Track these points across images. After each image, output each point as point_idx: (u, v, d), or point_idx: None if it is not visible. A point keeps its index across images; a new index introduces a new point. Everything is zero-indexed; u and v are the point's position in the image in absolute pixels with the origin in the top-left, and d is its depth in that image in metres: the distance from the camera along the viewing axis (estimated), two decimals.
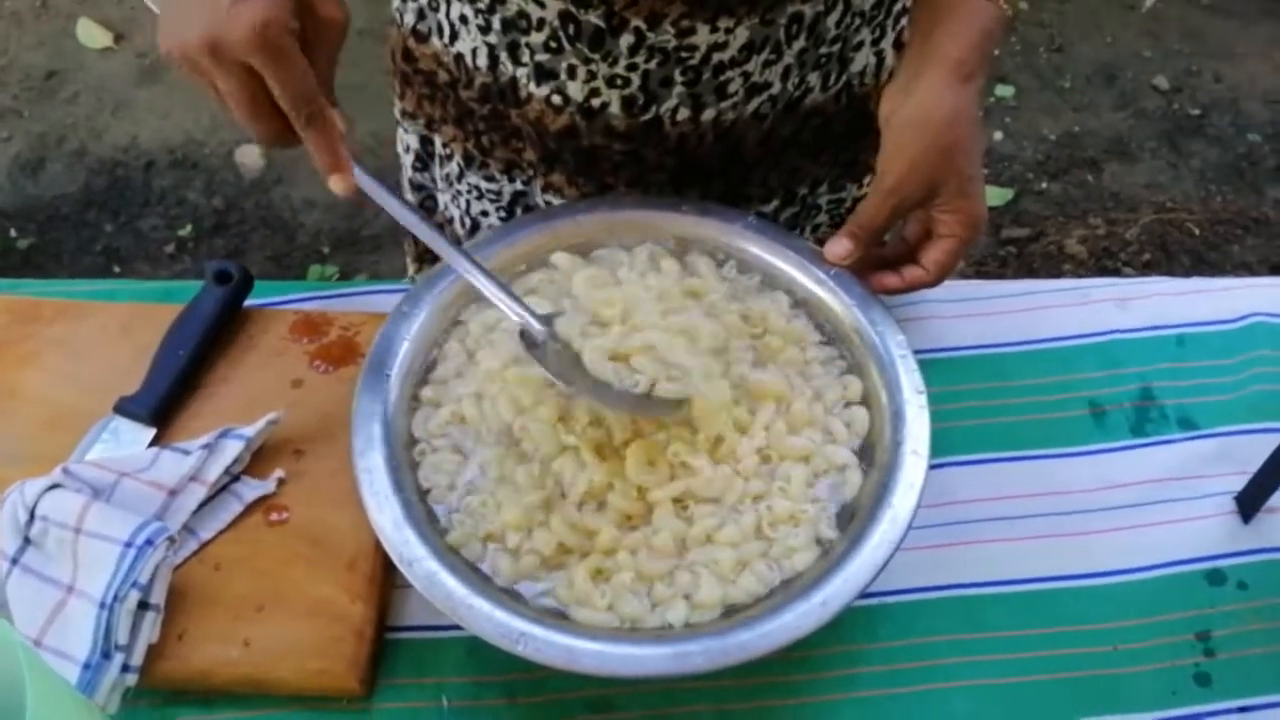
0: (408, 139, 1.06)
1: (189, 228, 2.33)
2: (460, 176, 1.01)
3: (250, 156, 2.45)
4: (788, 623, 0.67)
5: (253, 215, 2.37)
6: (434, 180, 1.07)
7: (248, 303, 0.89)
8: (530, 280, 0.85)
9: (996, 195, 2.49)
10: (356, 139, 2.51)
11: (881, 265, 0.85)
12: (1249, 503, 0.81)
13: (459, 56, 0.91)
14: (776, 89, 0.88)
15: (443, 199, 1.07)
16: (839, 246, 0.83)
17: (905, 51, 0.82)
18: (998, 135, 2.61)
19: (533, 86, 0.88)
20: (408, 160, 1.08)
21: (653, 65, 0.83)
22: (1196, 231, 2.42)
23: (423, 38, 0.94)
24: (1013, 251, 2.40)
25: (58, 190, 2.40)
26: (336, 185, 0.71)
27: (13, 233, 2.31)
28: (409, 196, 1.11)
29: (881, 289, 0.83)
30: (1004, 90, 2.70)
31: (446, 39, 0.91)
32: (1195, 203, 2.49)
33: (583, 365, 0.75)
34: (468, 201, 1.02)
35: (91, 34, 2.65)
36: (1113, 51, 2.80)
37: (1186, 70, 2.76)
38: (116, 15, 2.71)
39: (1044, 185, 2.53)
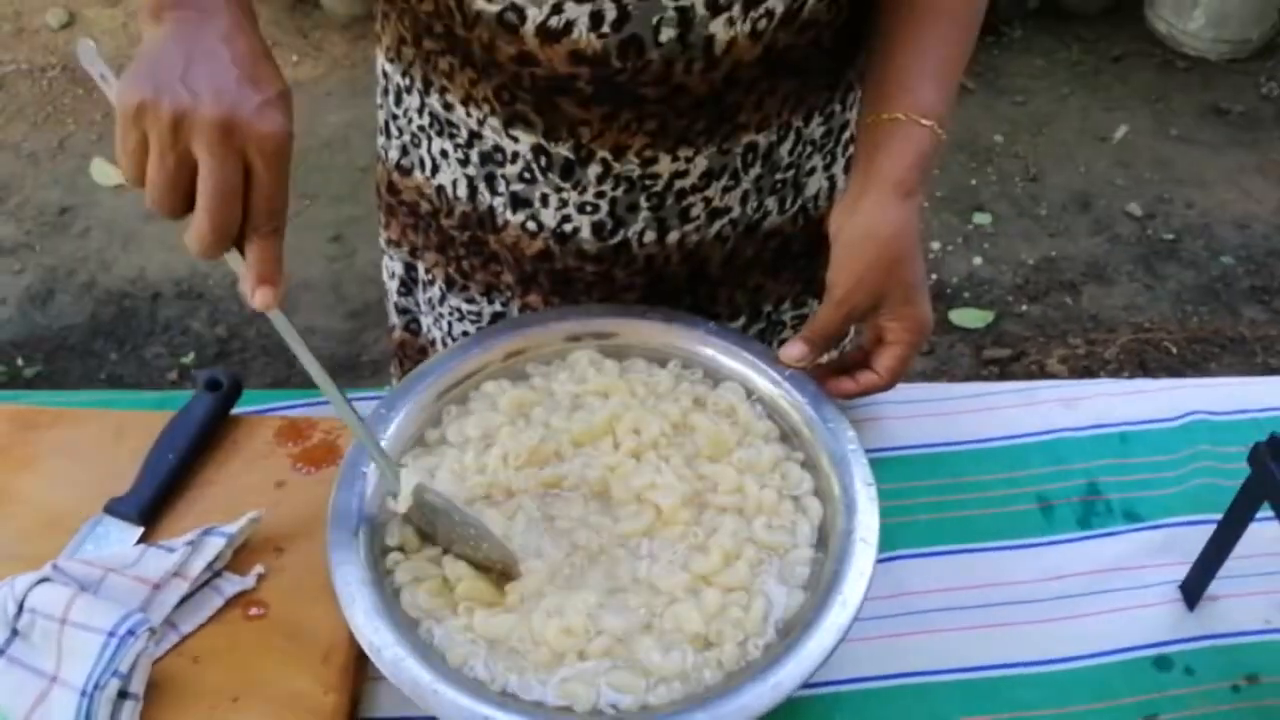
0: (392, 266, 1.12)
1: (192, 355, 2.40)
2: (442, 300, 1.07)
3: None
4: (742, 704, 0.70)
5: (254, 343, 2.44)
6: (418, 304, 1.12)
7: (236, 410, 0.94)
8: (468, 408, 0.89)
9: (977, 317, 2.56)
10: (358, 269, 2.60)
11: (840, 372, 0.89)
12: (1193, 590, 0.84)
13: (440, 188, 0.98)
14: (736, 212, 0.95)
15: (426, 322, 1.12)
16: (794, 350, 0.88)
17: (851, 174, 0.88)
18: (977, 260, 2.70)
19: (509, 214, 0.94)
20: (393, 286, 1.14)
21: (619, 192, 0.89)
22: (1174, 350, 2.48)
23: (406, 171, 1.01)
24: (995, 371, 2.45)
25: (66, 321, 2.48)
26: (264, 296, 0.67)
27: (20, 361, 2.38)
28: (394, 320, 1.17)
29: (838, 393, 0.88)
30: (981, 218, 2.80)
31: (428, 172, 0.98)
32: (1173, 323, 2.55)
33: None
34: (449, 323, 1.08)
35: (105, 172, 2.77)
36: (1086, 180, 2.91)
37: (1159, 197, 2.86)
38: None
39: (1024, 308, 2.60)
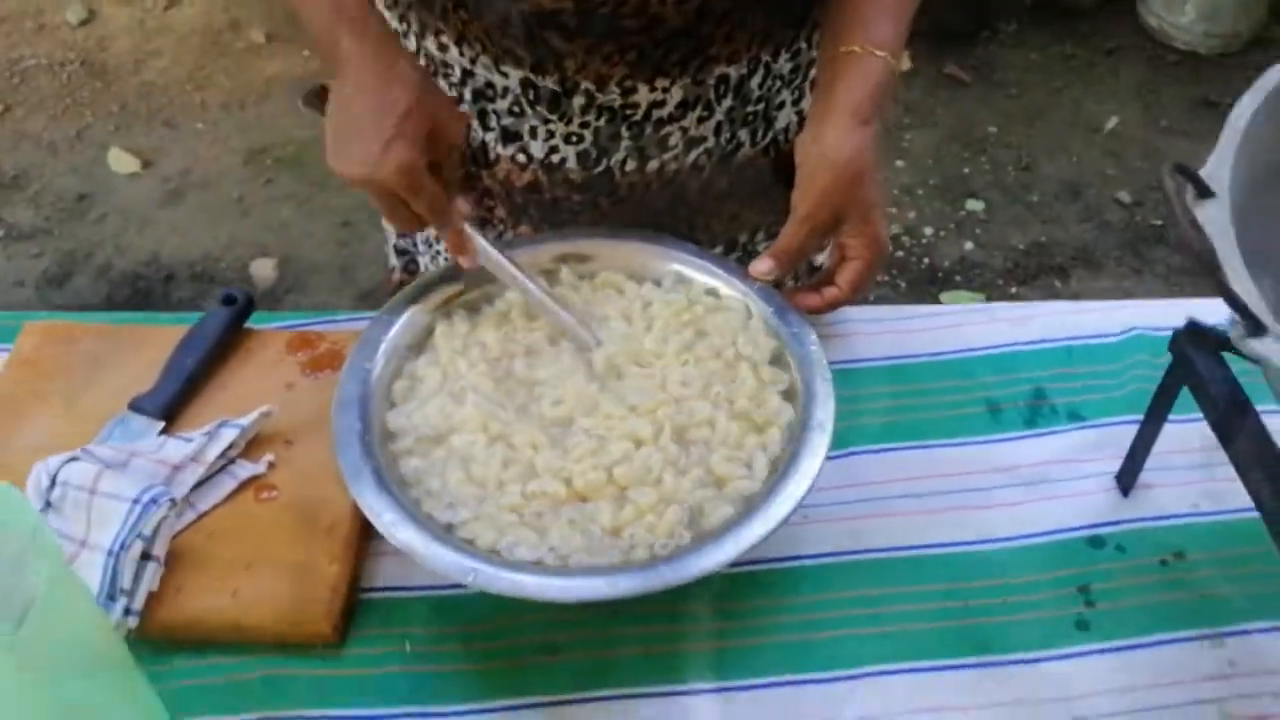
0: None
1: None
2: (438, 238, 1.15)
3: (264, 269, 2.63)
4: (703, 559, 0.77)
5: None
6: (415, 245, 1.20)
7: (250, 325, 1.02)
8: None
9: (967, 299, 2.62)
10: (367, 252, 2.68)
11: (808, 291, 0.97)
12: (1127, 479, 0.91)
13: None
14: (711, 143, 1.02)
15: (423, 261, 1.20)
16: (762, 264, 0.95)
17: (812, 105, 0.96)
18: (968, 245, 2.76)
19: (500, 148, 1.02)
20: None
21: (602, 123, 0.97)
22: None
23: None
24: None
25: (82, 301, 2.56)
26: (463, 263, 0.93)
27: None
28: (393, 262, 1.25)
29: (805, 308, 0.95)
30: (974, 205, 2.87)
31: None
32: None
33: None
34: (445, 260, 1.15)
35: (121, 160, 2.86)
36: (1077, 169, 2.97)
37: (1147, 185, 2.92)
38: (146, 144, 2.93)
39: (1014, 289, 2.66)
